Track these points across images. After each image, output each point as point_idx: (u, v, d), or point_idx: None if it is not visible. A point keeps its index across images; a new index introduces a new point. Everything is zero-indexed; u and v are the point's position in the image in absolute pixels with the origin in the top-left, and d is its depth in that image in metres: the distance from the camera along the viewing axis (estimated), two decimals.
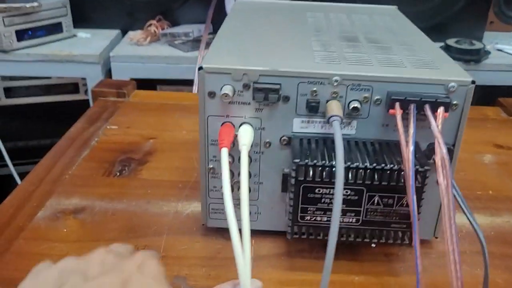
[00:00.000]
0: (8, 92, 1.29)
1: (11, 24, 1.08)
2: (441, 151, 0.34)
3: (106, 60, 1.13)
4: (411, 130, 0.35)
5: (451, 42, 1.16)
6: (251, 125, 0.39)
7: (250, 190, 0.42)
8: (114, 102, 0.71)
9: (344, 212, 0.38)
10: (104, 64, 1.12)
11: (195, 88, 0.76)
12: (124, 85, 0.74)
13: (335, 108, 0.37)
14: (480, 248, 0.43)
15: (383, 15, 0.57)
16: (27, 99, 1.29)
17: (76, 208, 0.48)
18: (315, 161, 0.36)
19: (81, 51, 1.11)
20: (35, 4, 1.09)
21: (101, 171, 0.54)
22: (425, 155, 0.38)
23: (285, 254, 0.43)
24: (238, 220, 0.34)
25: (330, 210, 0.38)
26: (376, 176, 0.36)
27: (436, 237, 0.43)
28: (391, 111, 0.37)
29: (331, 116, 0.36)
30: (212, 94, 0.38)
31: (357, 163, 0.36)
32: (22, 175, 1.23)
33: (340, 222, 0.38)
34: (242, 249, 0.31)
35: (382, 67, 0.39)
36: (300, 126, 0.39)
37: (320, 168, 0.36)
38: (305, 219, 0.38)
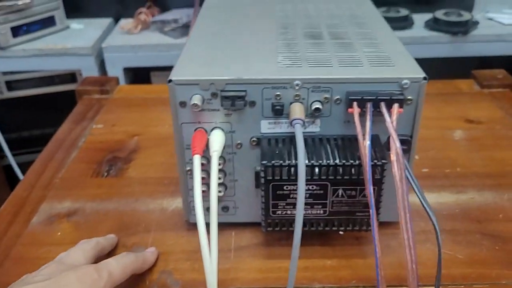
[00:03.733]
0: (10, 85, 1.33)
1: (6, 22, 1.11)
2: (395, 146, 0.37)
3: (99, 51, 1.15)
4: (368, 127, 0.38)
5: (439, 14, 1.18)
6: (222, 130, 0.42)
7: (226, 188, 0.45)
8: (98, 99, 0.74)
9: (311, 205, 0.41)
10: (97, 56, 1.14)
11: None
12: (107, 81, 0.76)
13: (297, 111, 0.39)
14: (443, 226, 0.47)
15: (350, 3, 0.59)
16: (28, 91, 1.33)
17: (69, 211, 0.51)
18: (281, 162, 0.39)
19: (74, 44, 1.13)
20: (27, 0, 1.11)
21: (90, 172, 0.57)
22: (386, 147, 0.41)
23: (264, 243, 0.46)
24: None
25: None
26: (338, 172, 0.39)
27: None
28: (349, 110, 0.39)
29: (293, 120, 0.39)
30: (183, 104, 0.41)
31: (320, 161, 0.39)
32: (28, 164, 1.27)
33: (309, 214, 0.42)
34: (209, 252, 0.35)
35: (341, 67, 0.41)
36: (268, 127, 0.42)
37: (286, 168, 0.39)
38: (277, 213, 0.41)
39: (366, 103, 0.39)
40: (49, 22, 1.18)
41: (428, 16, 1.23)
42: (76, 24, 1.24)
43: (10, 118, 1.36)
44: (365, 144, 0.38)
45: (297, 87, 0.40)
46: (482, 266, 0.43)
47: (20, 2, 1.10)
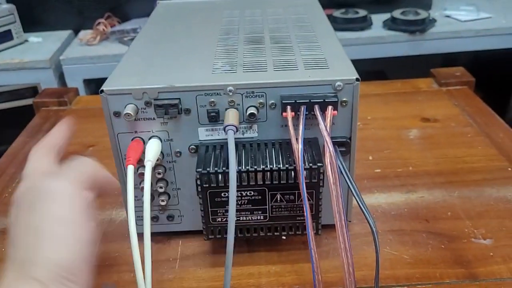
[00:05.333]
0: None
1: None
2: (328, 148, 0.37)
3: (58, 64, 1.14)
4: (300, 131, 0.38)
5: (396, 13, 1.20)
6: (159, 138, 0.41)
7: (169, 197, 0.45)
8: (56, 111, 0.73)
9: (251, 211, 0.41)
10: (56, 68, 1.13)
11: None
12: (66, 92, 0.75)
13: (230, 117, 0.39)
14: (391, 227, 0.47)
15: (298, 6, 0.59)
16: None
17: None
18: (216, 169, 0.38)
19: (32, 57, 1.12)
20: None
21: None
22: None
23: (209, 251, 0.46)
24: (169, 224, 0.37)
25: (238, 210, 0.41)
26: (274, 177, 0.39)
27: (349, 221, 0.47)
28: (284, 114, 0.39)
29: (226, 126, 0.38)
30: (117, 114, 0.40)
31: (256, 166, 0.38)
32: None
33: (250, 220, 0.41)
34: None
35: (276, 71, 0.41)
36: (205, 134, 0.41)
37: (221, 174, 0.39)
38: (217, 220, 0.41)
39: (299, 106, 0.39)
40: (5, 36, 1.18)
41: (386, 16, 1.24)
42: (34, 38, 1.23)
43: None
44: (298, 148, 0.37)
45: (230, 93, 0.39)
46: (427, 265, 0.43)
47: None
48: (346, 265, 0.36)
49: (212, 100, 0.40)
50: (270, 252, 0.45)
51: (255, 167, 0.38)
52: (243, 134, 0.42)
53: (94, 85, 1.19)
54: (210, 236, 0.42)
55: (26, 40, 1.22)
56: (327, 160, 0.37)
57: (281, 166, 0.39)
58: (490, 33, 1.20)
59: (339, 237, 0.36)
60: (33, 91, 1.23)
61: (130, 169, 0.38)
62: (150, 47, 0.48)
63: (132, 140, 0.41)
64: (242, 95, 0.40)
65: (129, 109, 0.39)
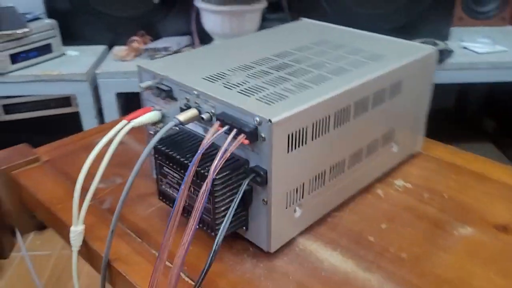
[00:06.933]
0: (7, 108, 1.43)
1: (5, 49, 1.21)
2: (213, 168, 0.43)
3: (93, 77, 1.25)
4: (205, 140, 0.44)
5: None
6: (162, 112, 0.54)
7: None
8: None
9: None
10: (91, 81, 1.25)
11: None
12: None
13: (184, 113, 0.48)
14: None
15: (376, 41, 0.60)
16: (25, 114, 1.42)
17: None
18: (166, 149, 0.49)
19: (69, 70, 1.24)
20: (26, 29, 1.23)
21: None
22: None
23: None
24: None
25: (173, 187, 0.50)
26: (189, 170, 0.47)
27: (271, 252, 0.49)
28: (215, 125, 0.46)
29: (173, 117, 0.48)
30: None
31: (183, 159, 0.47)
32: None
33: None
34: None
35: (237, 92, 0.47)
36: None
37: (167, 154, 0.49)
38: (162, 187, 0.52)
39: (225, 124, 0.45)
40: (46, 49, 1.28)
41: None
42: (72, 51, 1.33)
43: (6, 140, 1.30)
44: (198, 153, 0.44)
45: (195, 96, 0.49)
46: None
47: (19, 31, 1.20)
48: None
49: (187, 97, 0.50)
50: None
51: (183, 159, 0.47)
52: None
53: (124, 98, 1.24)
54: (160, 197, 0.53)
55: (64, 54, 1.32)
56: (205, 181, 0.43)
57: (187, 161, 0.46)
58: (506, 66, 1.24)
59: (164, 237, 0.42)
60: (66, 101, 1.35)
61: (121, 124, 0.53)
62: (216, 47, 0.60)
63: (148, 106, 0.56)
64: (202, 100, 0.48)
65: (144, 84, 0.54)
